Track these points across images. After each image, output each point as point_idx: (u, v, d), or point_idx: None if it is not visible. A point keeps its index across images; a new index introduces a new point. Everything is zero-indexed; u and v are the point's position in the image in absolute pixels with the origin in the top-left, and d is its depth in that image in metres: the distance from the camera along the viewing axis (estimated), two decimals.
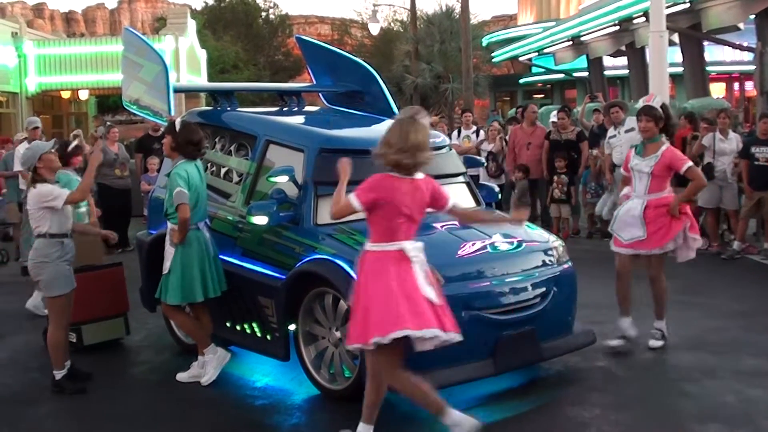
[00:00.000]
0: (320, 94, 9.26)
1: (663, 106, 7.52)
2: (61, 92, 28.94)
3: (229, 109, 8.06)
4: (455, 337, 5.08)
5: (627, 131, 12.69)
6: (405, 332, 4.87)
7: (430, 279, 5.11)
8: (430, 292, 5.03)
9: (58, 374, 6.69)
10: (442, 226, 6.69)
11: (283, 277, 6.53)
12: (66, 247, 6.63)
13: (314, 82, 9.26)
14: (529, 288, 6.35)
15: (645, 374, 6.80)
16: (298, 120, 8.05)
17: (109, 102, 33.47)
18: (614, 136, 12.83)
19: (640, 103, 7.82)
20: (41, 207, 6.47)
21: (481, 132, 15.25)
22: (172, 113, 7.58)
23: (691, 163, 7.50)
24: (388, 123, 8.13)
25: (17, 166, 12.20)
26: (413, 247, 5.09)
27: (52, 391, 6.67)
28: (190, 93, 25.43)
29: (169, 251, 6.75)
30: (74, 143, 9.23)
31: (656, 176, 7.39)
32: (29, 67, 27.18)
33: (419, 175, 5.19)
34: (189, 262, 6.67)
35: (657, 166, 7.36)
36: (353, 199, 5.16)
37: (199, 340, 6.92)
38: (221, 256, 6.96)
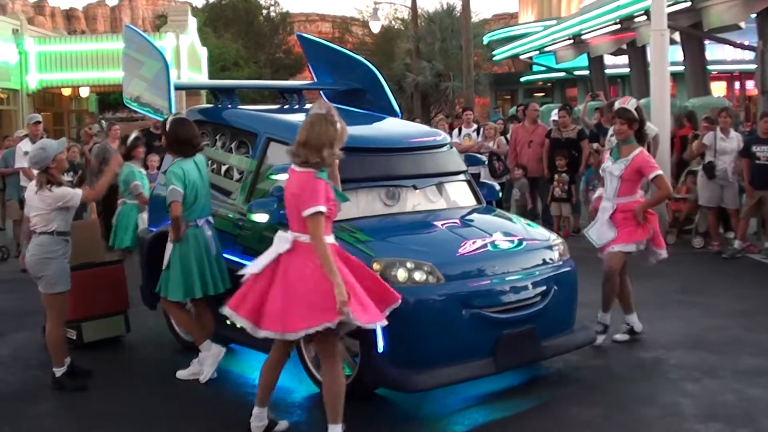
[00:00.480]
0: (321, 92, 9.25)
1: (638, 109, 7.52)
2: (62, 89, 28.91)
3: (229, 106, 8.05)
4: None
5: None
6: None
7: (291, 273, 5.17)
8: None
9: (59, 371, 6.70)
10: (443, 224, 6.69)
11: None
12: (68, 245, 6.65)
13: (315, 80, 9.25)
14: (530, 286, 6.34)
15: (645, 373, 6.79)
16: (298, 118, 8.03)
17: (109, 99, 33.43)
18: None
19: (616, 105, 7.81)
20: (57, 208, 6.49)
21: (482, 130, 15.20)
22: (173, 110, 7.57)
23: (660, 172, 7.51)
24: (388, 120, 8.17)
25: (18, 163, 12.20)
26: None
27: (52, 388, 6.67)
28: (191, 90, 25.42)
29: (169, 247, 6.79)
30: (133, 135, 9.38)
31: (625, 180, 7.42)
32: (30, 64, 27.15)
33: (307, 168, 5.18)
34: (187, 259, 6.69)
35: (627, 171, 7.38)
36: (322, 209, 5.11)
37: (195, 336, 6.93)
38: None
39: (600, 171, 7.91)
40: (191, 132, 6.88)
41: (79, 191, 6.61)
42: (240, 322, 5.24)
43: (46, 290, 6.63)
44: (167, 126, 6.83)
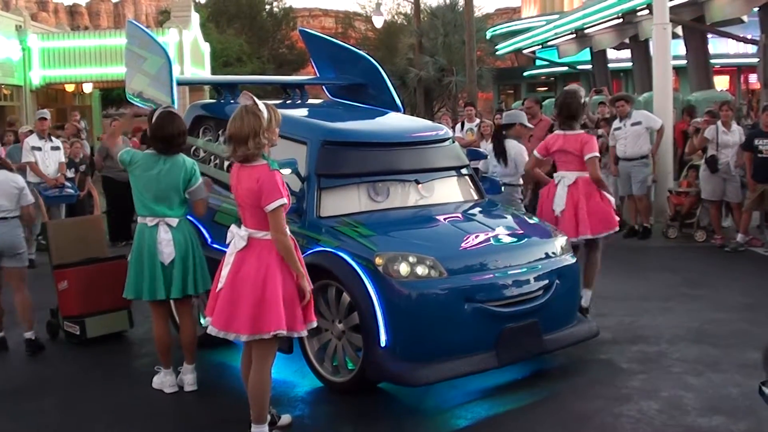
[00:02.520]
0: (324, 87, 9.26)
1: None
2: (65, 85, 28.92)
3: (232, 101, 8.05)
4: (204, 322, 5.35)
5: (633, 124, 12.68)
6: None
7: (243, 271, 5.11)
8: (222, 276, 5.21)
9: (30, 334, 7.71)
10: (445, 219, 6.70)
11: None
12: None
13: (318, 75, 9.26)
14: (532, 280, 6.35)
15: (648, 366, 6.79)
16: (301, 113, 8.05)
17: (112, 95, 33.39)
18: (619, 128, 12.81)
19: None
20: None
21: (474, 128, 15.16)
22: (176, 106, 7.57)
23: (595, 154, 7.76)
24: (390, 115, 8.17)
25: (25, 158, 12.24)
26: (230, 232, 5.28)
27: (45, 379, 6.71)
28: (194, 86, 25.40)
29: None
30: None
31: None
32: (33, 60, 27.15)
33: (259, 162, 5.14)
34: (137, 257, 6.40)
35: None
36: (284, 201, 5.12)
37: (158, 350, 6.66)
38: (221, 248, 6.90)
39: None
40: (175, 129, 6.39)
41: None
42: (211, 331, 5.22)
43: (23, 264, 7.77)
44: (152, 118, 6.42)
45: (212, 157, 7.83)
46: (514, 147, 9.02)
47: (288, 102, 8.50)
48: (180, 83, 8.27)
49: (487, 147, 10.28)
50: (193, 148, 8.11)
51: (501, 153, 8.98)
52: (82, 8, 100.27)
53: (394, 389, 6.20)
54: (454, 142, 7.85)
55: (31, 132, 13.21)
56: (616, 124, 12.96)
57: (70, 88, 29.34)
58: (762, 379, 4.51)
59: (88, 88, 28.97)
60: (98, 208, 13.82)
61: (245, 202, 5.14)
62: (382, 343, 5.83)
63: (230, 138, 5.12)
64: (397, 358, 5.82)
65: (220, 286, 5.19)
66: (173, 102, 7.53)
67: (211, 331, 5.17)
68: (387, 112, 8.27)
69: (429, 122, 8.74)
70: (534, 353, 6.48)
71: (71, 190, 12.63)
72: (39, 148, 12.42)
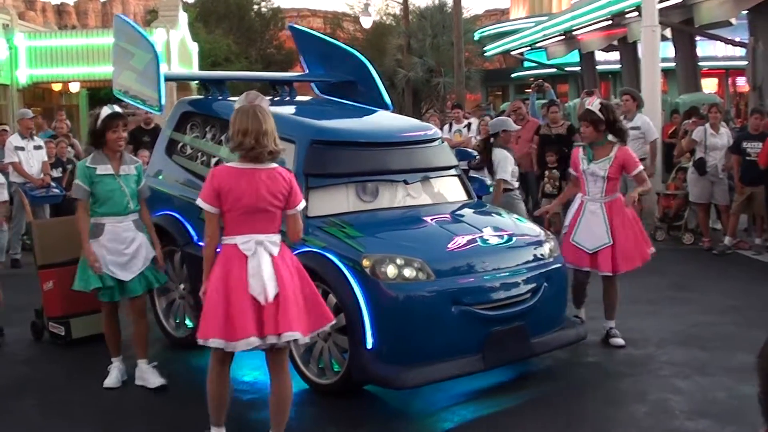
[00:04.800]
0: (313, 84, 9.22)
1: (604, 108, 7.36)
2: (52, 84, 28.83)
3: (220, 98, 8.00)
4: (274, 339, 4.82)
5: (633, 128, 12.59)
6: (217, 342, 4.80)
7: (278, 272, 4.88)
8: (257, 290, 4.81)
9: None
10: (433, 220, 6.67)
11: None
12: None
13: (307, 71, 9.22)
14: (520, 283, 6.32)
15: (636, 369, 6.78)
16: (289, 110, 8.00)
17: (100, 94, 33.25)
18: None
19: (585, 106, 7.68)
20: None
21: (473, 126, 15.17)
22: (163, 102, 7.52)
23: (641, 167, 7.45)
24: (380, 114, 8.13)
25: (8, 159, 12.16)
26: (245, 241, 4.88)
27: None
28: (181, 84, 25.33)
29: None
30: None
31: (611, 179, 7.33)
32: (20, 59, 27.07)
33: (272, 165, 5.02)
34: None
35: (612, 168, 7.29)
36: (201, 204, 4.91)
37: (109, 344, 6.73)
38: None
39: (571, 172, 7.77)
40: (108, 128, 6.39)
41: None
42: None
43: None
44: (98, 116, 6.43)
45: (199, 154, 7.78)
46: (496, 155, 9.09)
47: (276, 99, 8.46)
48: (168, 79, 8.22)
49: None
50: (180, 144, 8.06)
51: (489, 166, 9.03)
52: (69, 7, 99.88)
53: (381, 392, 6.16)
54: (443, 142, 7.82)
55: (5, 131, 13.10)
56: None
57: (57, 87, 29.27)
58: (751, 382, 4.48)
59: (75, 87, 28.89)
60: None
61: (264, 204, 4.89)
62: (369, 346, 5.80)
63: (252, 133, 4.88)
64: (383, 361, 5.79)
65: (270, 296, 4.81)
66: (161, 98, 7.48)
67: (271, 339, 4.81)
68: (376, 111, 8.24)
69: (418, 122, 8.71)
70: (521, 356, 6.46)
71: (57, 190, 12.54)
72: (22, 148, 12.32)
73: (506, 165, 8.88)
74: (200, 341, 4.85)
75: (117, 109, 6.52)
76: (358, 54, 8.77)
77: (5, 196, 7.83)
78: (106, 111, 6.44)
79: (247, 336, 4.75)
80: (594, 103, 7.46)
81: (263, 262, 4.86)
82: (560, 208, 13.58)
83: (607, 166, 7.28)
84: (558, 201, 8.76)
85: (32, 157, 12.41)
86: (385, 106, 8.40)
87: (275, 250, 4.93)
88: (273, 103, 8.27)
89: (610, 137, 7.39)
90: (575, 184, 7.71)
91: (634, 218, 7.50)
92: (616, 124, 7.41)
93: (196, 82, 24.47)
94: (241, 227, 4.89)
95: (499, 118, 10.24)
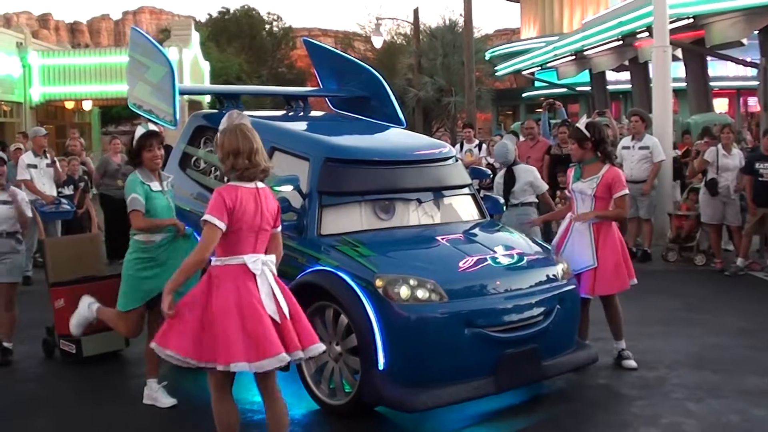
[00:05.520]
0: (326, 99, 9.23)
1: (590, 126, 7.30)
2: (65, 102, 28.98)
3: None
4: (301, 354, 4.86)
5: (641, 148, 12.62)
6: (241, 365, 4.69)
7: (283, 290, 4.92)
8: (272, 308, 4.80)
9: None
10: (446, 239, 6.63)
11: None
12: None
13: (321, 86, 9.23)
14: (533, 305, 6.27)
15: (648, 392, 6.73)
16: (303, 126, 7.99)
17: (112, 112, 33.52)
18: (628, 148, 12.75)
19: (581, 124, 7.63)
20: None
21: (483, 146, 15.23)
22: (177, 116, 7.51)
23: (625, 192, 7.33)
24: (394, 131, 8.12)
25: (21, 176, 12.18)
26: (254, 260, 4.86)
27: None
28: (192, 103, 25.44)
29: None
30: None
31: (599, 198, 7.25)
32: (33, 77, 27.26)
33: (260, 184, 5.00)
34: None
35: (599, 188, 7.22)
36: (212, 220, 4.79)
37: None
38: None
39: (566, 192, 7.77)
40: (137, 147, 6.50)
41: None
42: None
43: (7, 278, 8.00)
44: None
45: (213, 168, 7.78)
46: (519, 170, 9.57)
47: (290, 114, 8.45)
48: (182, 93, 8.22)
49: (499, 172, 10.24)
50: (194, 158, 8.06)
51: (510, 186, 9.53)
52: (83, 26, 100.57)
53: (392, 413, 6.13)
54: (457, 160, 7.79)
55: (19, 149, 13.16)
56: (625, 142, 12.91)
57: (69, 105, 29.41)
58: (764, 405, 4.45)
59: (87, 105, 29.05)
60: (96, 225, 13.75)
61: (264, 224, 4.93)
62: (380, 367, 5.76)
63: (243, 153, 4.85)
64: (395, 382, 5.75)
65: (285, 314, 4.84)
66: (175, 112, 7.47)
67: (298, 354, 4.84)
68: (390, 127, 8.23)
69: (432, 140, 8.69)
70: (533, 380, 6.42)
71: (67, 206, 12.57)
72: (35, 166, 12.36)
73: (534, 175, 9.53)
74: (220, 367, 4.72)
75: (152, 127, 6.57)
76: (372, 69, 8.77)
77: (30, 213, 7.85)
78: (140, 131, 6.51)
79: (278, 353, 4.70)
80: (580, 121, 7.50)
81: (271, 281, 4.88)
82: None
83: (594, 184, 7.23)
84: (548, 216, 8.79)
85: (44, 174, 12.45)
86: (399, 122, 8.40)
87: (275, 270, 4.97)
88: (287, 118, 8.31)
89: (600, 156, 7.35)
90: (570, 203, 7.70)
91: (622, 245, 7.43)
92: (602, 144, 7.34)
93: (209, 99, 24.86)
94: (246, 247, 4.87)
95: (502, 146, 10.16)
